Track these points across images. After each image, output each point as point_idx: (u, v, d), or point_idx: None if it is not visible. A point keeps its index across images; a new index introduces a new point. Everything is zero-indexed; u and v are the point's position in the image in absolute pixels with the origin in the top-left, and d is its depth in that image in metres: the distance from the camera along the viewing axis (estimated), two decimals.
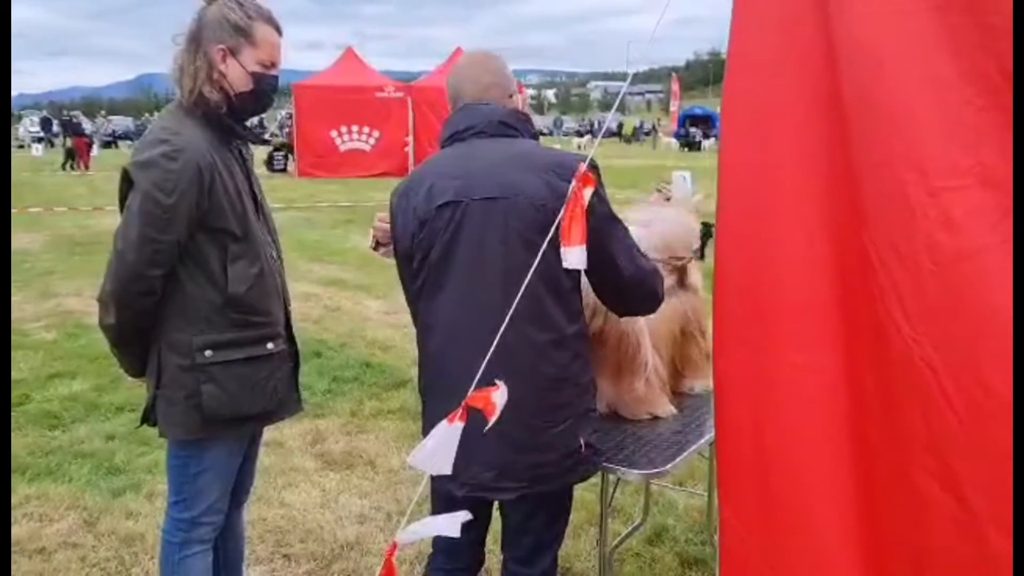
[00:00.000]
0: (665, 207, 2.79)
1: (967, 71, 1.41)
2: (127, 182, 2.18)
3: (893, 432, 1.51)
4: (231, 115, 2.26)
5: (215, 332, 2.23)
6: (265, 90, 2.27)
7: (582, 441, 2.06)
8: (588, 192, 1.43)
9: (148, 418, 2.35)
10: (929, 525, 1.47)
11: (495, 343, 1.50)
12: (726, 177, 1.71)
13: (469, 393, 1.37)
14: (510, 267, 1.96)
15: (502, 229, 1.98)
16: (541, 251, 1.59)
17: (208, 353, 2.22)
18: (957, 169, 1.41)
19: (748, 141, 1.68)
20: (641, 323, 2.49)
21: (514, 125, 2.11)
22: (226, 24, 2.19)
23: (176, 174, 2.11)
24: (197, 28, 2.21)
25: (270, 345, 2.32)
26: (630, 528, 3.46)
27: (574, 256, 1.42)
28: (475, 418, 1.99)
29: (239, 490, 2.57)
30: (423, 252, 2.08)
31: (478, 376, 1.44)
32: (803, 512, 1.64)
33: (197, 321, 2.22)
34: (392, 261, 2.27)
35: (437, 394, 2.13)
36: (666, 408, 2.64)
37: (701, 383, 2.80)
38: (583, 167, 1.45)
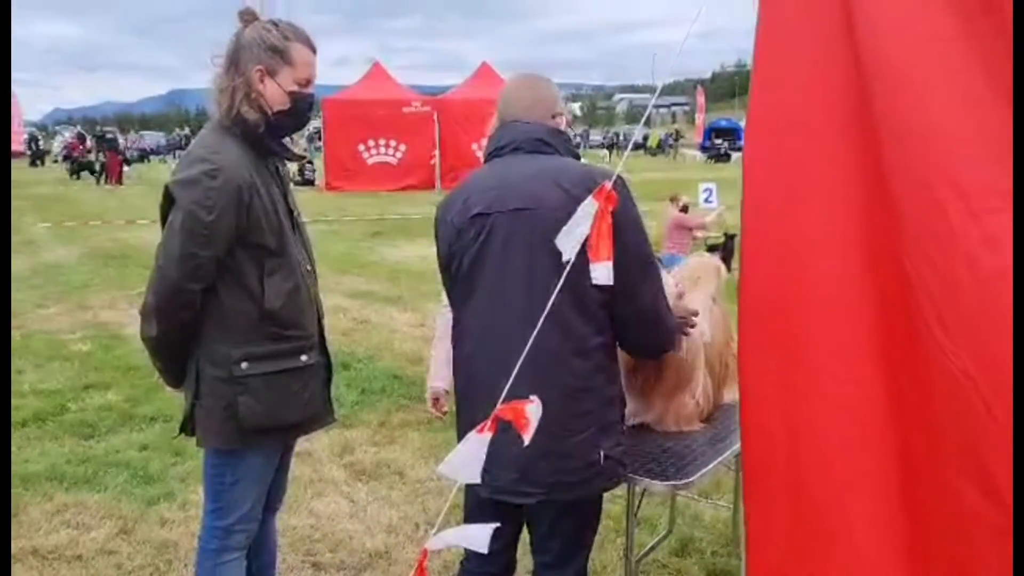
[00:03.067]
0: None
1: (1004, 94, 1.44)
2: (168, 199, 2.25)
3: (933, 441, 1.53)
4: (269, 133, 2.31)
5: (252, 345, 2.29)
6: (302, 108, 2.34)
7: (602, 453, 2.08)
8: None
9: (186, 428, 2.42)
10: (971, 532, 1.49)
11: (526, 350, 1.54)
12: (750, 189, 1.73)
13: (500, 399, 1.41)
14: (534, 276, 2.02)
15: (527, 239, 2.05)
16: (569, 263, 1.63)
17: (245, 365, 2.28)
18: (997, 190, 1.44)
19: (773, 153, 1.71)
20: (699, 342, 2.56)
21: (551, 142, 2.17)
22: (263, 45, 2.25)
23: (216, 192, 2.18)
24: (235, 49, 2.28)
25: (304, 357, 2.38)
26: (656, 539, 3.48)
27: (601, 272, 1.46)
28: (502, 423, 2.06)
29: (272, 498, 2.62)
30: (458, 260, 2.17)
31: (508, 382, 1.48)
32: (843, 519, 1.65)
33: (235, 334, 2.29)
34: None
35: (468, 399, 2.20)
36: (697, 426, 2.68)
37: (730, 393, 2.82)
38: (608, 185, 1.49)
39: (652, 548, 3.39)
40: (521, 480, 2.06)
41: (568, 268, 1.74)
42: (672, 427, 2.63)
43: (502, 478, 2.05)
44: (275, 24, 2.29)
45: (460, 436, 2.11)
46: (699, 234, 9.98)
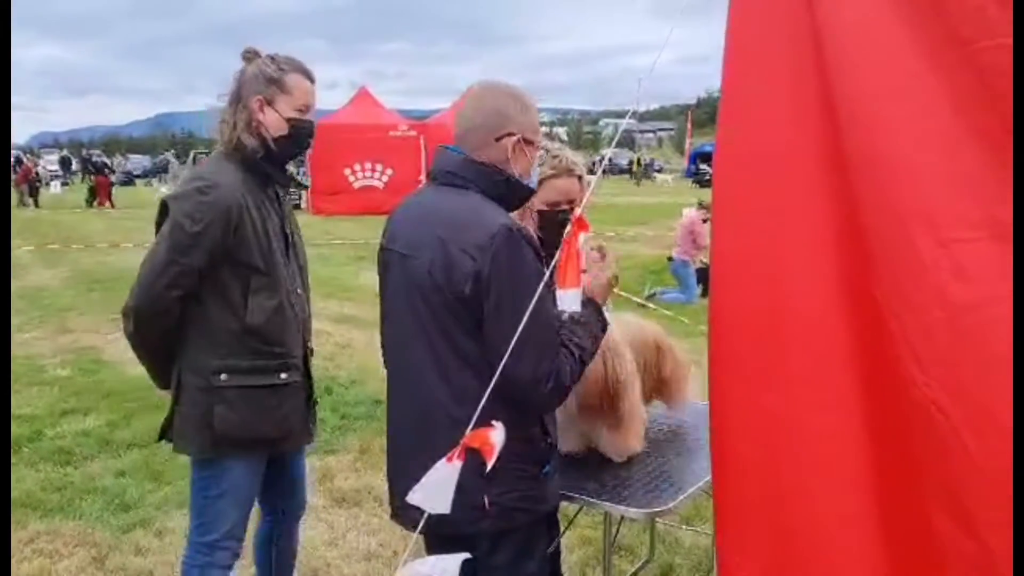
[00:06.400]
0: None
1: (972, 128, 1.45)
2: (163, 213, 2.40)
3: (911, 474, 1.52)
4: (268, 159, 2.47)
5: (233, 358, 2.41)
6: (301, 133, 2.50)
7: (487, 499, 1.99)
8: (583, 237, 1.47)
9: (166, 434, 2.54)
10: (949, 568, 1.48)
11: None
12: (720, 217, 1.74)
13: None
14: (417, 321, 2.01)
15: (407, 286, 2.03)
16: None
17: (223, 377, 2.40)
18: (968, 221, 1.44)
19: (744, 184, 1.71)
20: (628, 356, 2.48)
21: (464, 176, 2.02)
22: (261, 77, 2.44)
23: (206, 206, 2.33)
24: (237, 86, 2.47)
25: (284, 375, 2.48)
26: (637, 567, 3.46)
27: (568, 299, 1.46)
28: (402, 446, 2.10)
29: (293, 505, 2.80)
30: (380, 284, 2.21)
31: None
32: (823, 548, 1.64)
33: (217, 346, 2.41)
34: None
35: (387, 424, 2.23)
36: (639, 446, 2.60)
37: (680, 403, 2.83)
38: (577, 213, 1.49)
39: None
40: (411, 508, 2.00)
41: (438, 318, 1.82)
42: (631, 439, 2.56)
43: (398, 501, 2.06)
44: (272, 58, 2.49)
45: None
46: (699, 255, 10.10)
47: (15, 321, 8.68)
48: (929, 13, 1.48)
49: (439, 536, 2.04)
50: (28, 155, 41.71)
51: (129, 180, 41.57)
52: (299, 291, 2.56)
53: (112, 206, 25.94)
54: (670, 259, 10.45)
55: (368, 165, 22.17)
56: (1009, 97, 1.41)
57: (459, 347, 1.95)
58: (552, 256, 1.76)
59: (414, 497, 1.40)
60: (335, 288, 10.86)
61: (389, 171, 22.13)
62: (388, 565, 3.64)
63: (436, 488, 1.39)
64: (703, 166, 41.44)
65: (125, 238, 15.62)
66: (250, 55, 2.50)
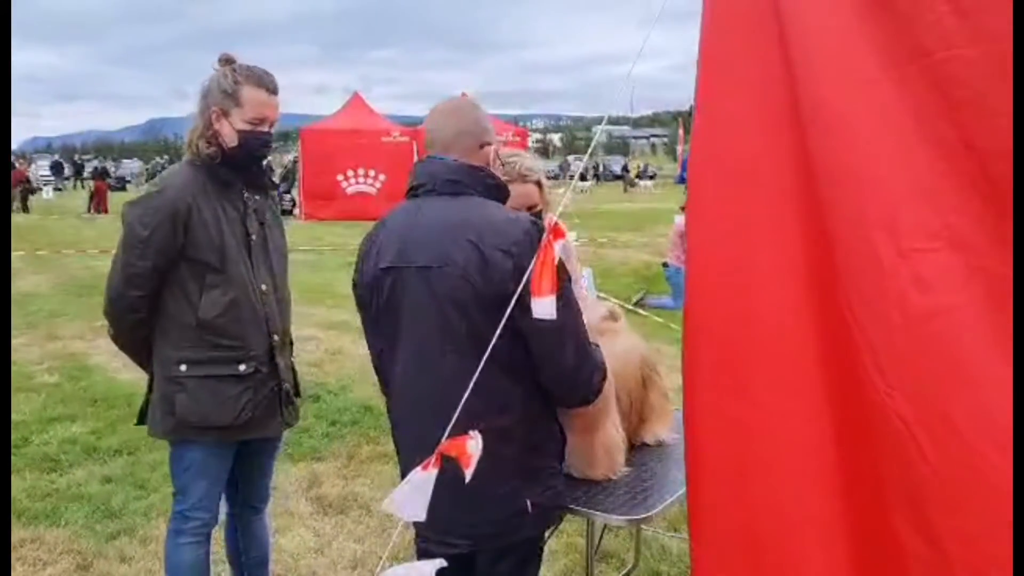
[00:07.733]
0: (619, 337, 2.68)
1: (929, 138, 1.47)
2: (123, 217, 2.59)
3: (875, 481, 1.53)
4: (225, 165, 2.57)
5: (190, 350, 2.56)
6: (250, 146, 2.58)
7: (529, 502, 2.01)
8: (559, 244, 1.47)
9: (143, 418, 2.73)
10: (910, 575, 1.48)
11: (470, 398, 1.54)
12: (694, 228, 1.76)
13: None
14: (446, 333, 1.96)
15: (436, 299, 1.97)
16: (514, 312, 1.64)
17: (183, 368, 2.56)
18: (927, 230, 1.46)
19: (717, 195, 1.73)
20: (610, 377, 2.35)
21: (464, 181, 2.04)
22: (219, 88, 2.54)
23: (153, 210, 2.49)
24: (202, 95, 2.58)
25: (242, 367, 2.59)
26: (622, 574, 3.46)
27: (543, 306, 1.46)
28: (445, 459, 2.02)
29: (254, 498, 2.90)
30: (376, 307, 2.11)
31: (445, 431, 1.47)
32: (792, 558, 1.65)
33: (178, 339, 2.56)
34: None
35: (398, 444, 2.20)
36: (623, 468, 2.52)
37: (665, 431, 2.78)
38: (552, 219, 1.50)
39: None
40: (445, 532, 2.01)
41: (473, 323, 1.80)
42: (598, 469, 2.46)
43: (425, 530, 2.04)
44: (233, 69, 2.56)
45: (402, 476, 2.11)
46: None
47: None
48: (892, 25, 1.50)
49: (461, 557, 2.02)
50: (20, 160, 41.56)
51: (121, 185, 41.45)
52: (263, 287, 2.64)
53: (106, 212, 25.94)
54: (665, 265, 10.46)
55: (361, 171, 22.16)
56: (966, 106, 1.43)
57: (497, 353, 1.87)
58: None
59: (388, 505, 1.40)
60: (326, 294, 10.81)
61: (382, 177, 22.12)
62: (374, 573, 3.63)
63: (411, 495, 1.39)
64: None
65: (115, 244, 15.54)
66: (223, 61, 2.58)
